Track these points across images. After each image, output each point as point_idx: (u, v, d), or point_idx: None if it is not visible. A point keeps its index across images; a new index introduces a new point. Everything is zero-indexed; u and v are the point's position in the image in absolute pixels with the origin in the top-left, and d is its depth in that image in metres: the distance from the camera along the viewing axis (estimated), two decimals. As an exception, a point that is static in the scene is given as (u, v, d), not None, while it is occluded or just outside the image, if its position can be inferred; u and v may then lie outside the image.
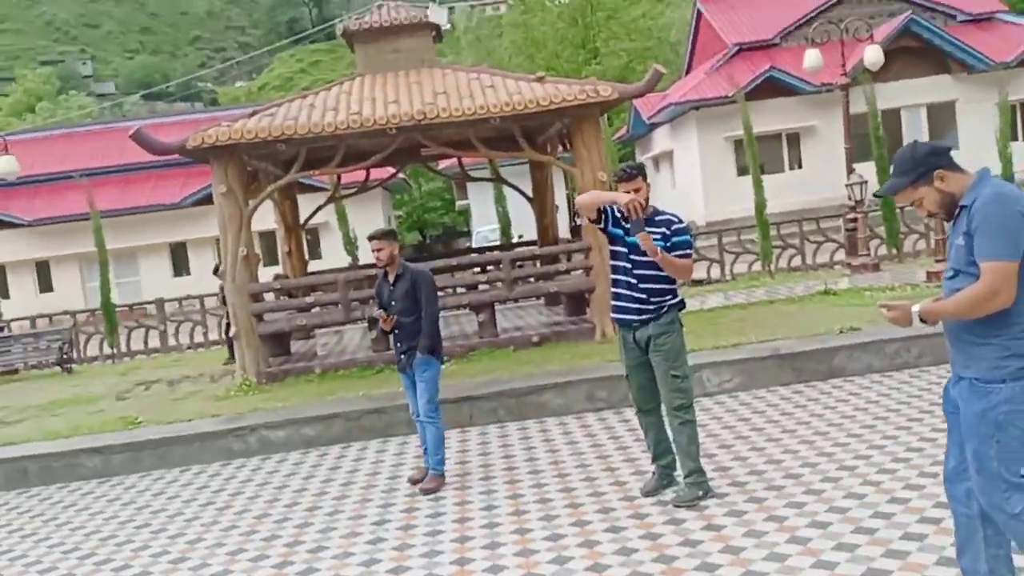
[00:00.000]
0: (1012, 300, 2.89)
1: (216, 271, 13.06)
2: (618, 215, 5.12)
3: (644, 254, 4.92)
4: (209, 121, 11.72)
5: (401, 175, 29.02)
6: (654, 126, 32.09)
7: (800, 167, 28.00)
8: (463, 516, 5.36)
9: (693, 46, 34.27)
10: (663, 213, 5.08)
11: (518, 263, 11.26)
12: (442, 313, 13.36)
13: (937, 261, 11.32)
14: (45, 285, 31.19)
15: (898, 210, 15.88)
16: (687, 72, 34.73)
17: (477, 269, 13.10)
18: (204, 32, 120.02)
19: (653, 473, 5.38)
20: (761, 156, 18.38)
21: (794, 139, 28.15)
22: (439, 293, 10.81)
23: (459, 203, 39.16)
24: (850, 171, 15.19)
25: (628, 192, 4.91)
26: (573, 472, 5.96)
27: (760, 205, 15.45)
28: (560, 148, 12.42)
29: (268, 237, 27.00)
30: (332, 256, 27.21)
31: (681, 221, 5.11)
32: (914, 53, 27.33)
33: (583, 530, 4.85)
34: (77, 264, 30.42)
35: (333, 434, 7.67)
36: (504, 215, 19.74)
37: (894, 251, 15.68)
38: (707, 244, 17.65)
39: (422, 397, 6.03)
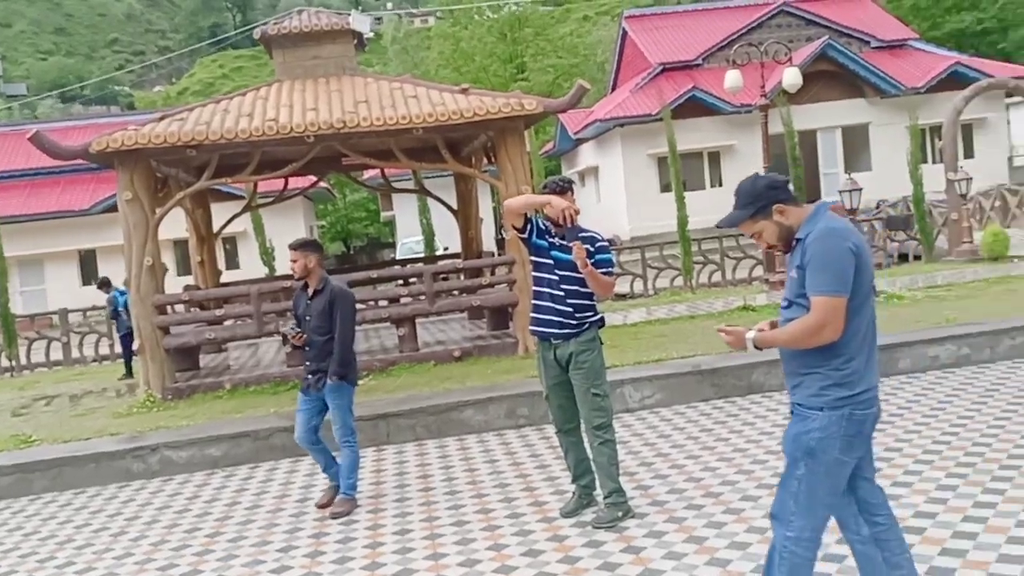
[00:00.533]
0: (838, 335, 2.98)
1: (101, 285, 12.48)
2: (543, 227, 4.98)
3: (570, 268, 4.78)
4: (123, 125, 11.24)
5: (324, 184, 28.49)
6: (580, 141, 32.32)
7: (720, 185, 28.51)
8: (375, 541, 5.12)
9: (619, 65, 34.69)
10: (585, 230, 4.97)
11: (441, 276, 11.04)
12: (363, 326, 13.22)
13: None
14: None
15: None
16: (612, 90, 35.12)
17: (400, 282, 12.86)
18: (123, 35, 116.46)
19: (573, 493, 5.23)
20: (684, 173, 18.60)
21: (715, 157, 28.67)
22: (359, 305, 10.56)
23: (384, 214, 38.73)
24: (769, 189, 15.45)
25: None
26: (491, 492, 5.78)
27: (682, 221, 15.60)
28: (485, 161, 12.28)
29: (182, 246, 26.10)
30: (251, 266, 26.47)
31: (603, 239, 5.00)
32: (830, 77, 28.18)
33: (499, 554, 4.67)
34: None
35: (241, 454, 7.31)
36: (428, 227, 19.52)
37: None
38: (631, 259, 17.76)
39: (335, 423, 5.75)
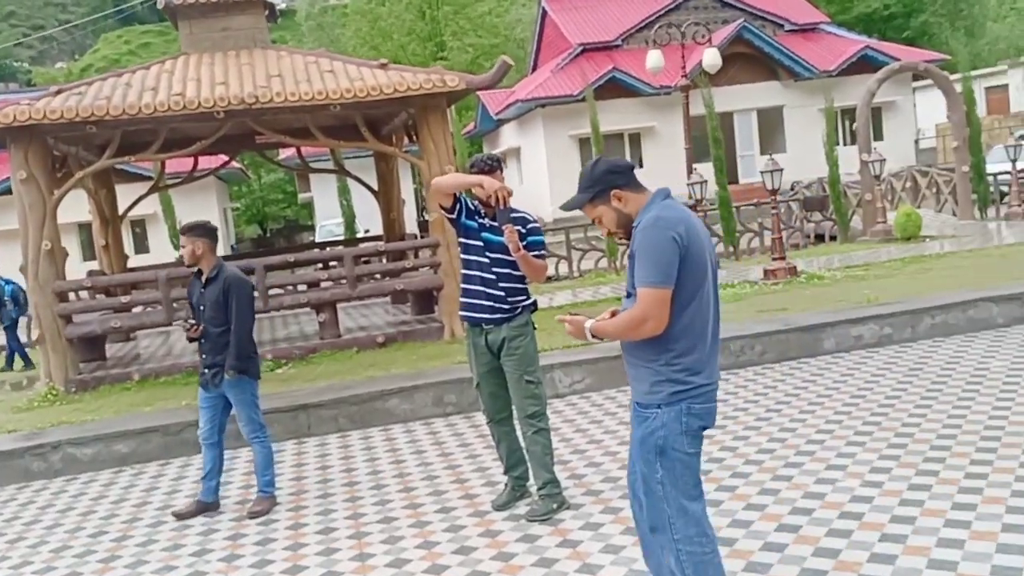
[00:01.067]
0: (662, 327, 2.86)
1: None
2: (471, 207, 4.73)
3: (501, 250, 4.56)
4: (18, 102, 10.41)
5: (238, 165, 27.55)
6: (501, 122, 32.07)
7: (641, 166, 28.67)
8: (296, 542, 4.82)
9: (539, 44, 34.50)
10: (517, 211, 4.73)
11: (362, 259, 10.68)
12: (281, 312, 12.75)
13: (774, 259, 11.63)
14: None
15: (734, 209, 16.41)
16: (533, 70, 34.94)
17: (319, 265, 12.43)
18: (19, 7, 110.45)
19: (506, 485, 5.03)
20: (605, 155, 18.57)
21: (635, 139, 28.81)
22: (277, 290, 10.12)
23: (301, 196, 37.79)
24: (691, 171, 15.53)
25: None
26: (420, 485, 5.54)
27: (606, 202, 15.51)
28: (407, 141, 11.94)
29: (87, 230, 24.90)
30: (161, 250, 25.49)
31: (535, 220, 4.79)
32: (746, 60, 28.58)
33: (430, 552, 4.44)
34: None
35: (150, 450, 6.88)
36: (348, 209, 19.05)
37: (731, 249, 16.17)
38: (555, 240, 17.63)
39: (241, 421, 5.38)
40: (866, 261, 12.41)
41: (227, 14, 10.08)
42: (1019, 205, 15.92)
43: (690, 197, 14.89)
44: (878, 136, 28.19)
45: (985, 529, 3.91)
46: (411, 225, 17.39)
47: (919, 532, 3.97)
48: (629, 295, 2.97)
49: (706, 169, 16.73)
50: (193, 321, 5.35)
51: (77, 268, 15.13)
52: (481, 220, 4.72)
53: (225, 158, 14.36)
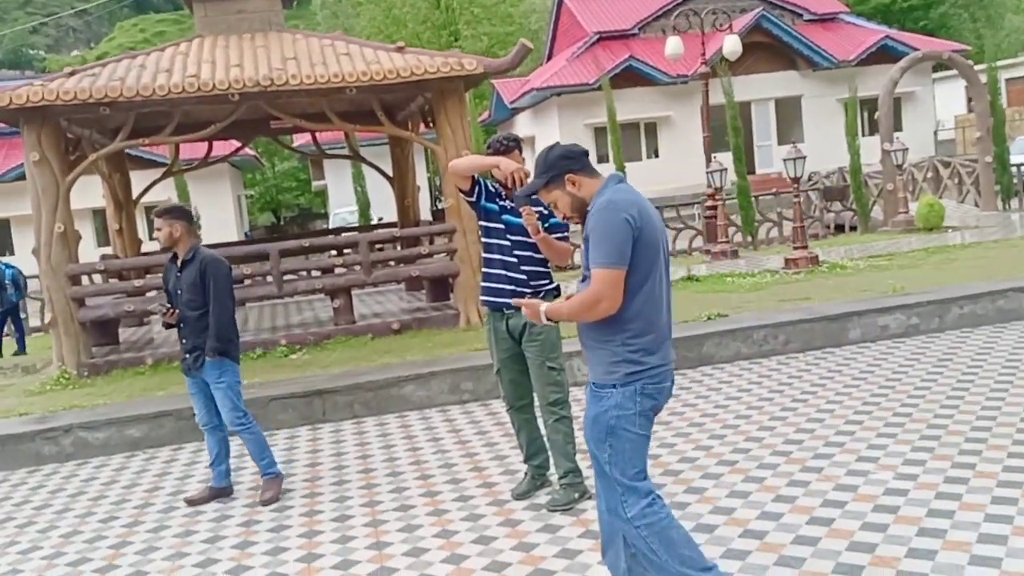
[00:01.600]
0: (616, 307, 2.92)
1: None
2: (492, 189, 4.59)
3: (523, 232, 4.41)
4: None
5: (251, 151, 27.48)
6: (516, 111, 31.88)
7: (657, 156, 28.47)
8: (311, 529, 4.71)
9: (554, 33, 34.26)
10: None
11: (377, 246, 10.56)
12: (296, 298, 12.63)
13: (795, 248, 11.43)
14: None
15: (753, 199, 16.21)
16: (548, 59, 34.71)
17: (334, 252, 12.32)
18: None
19: (525, 474, 4.89)
20: (621, 145, 18.31)
21: (651, 128, 28.58)
22: (291, 276, 10.00)
23: (315, 183, 37.70)
24: (709, 160, 15.32)
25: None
26: (437, 473, 5.41)
27: (623, 191, 15.31)
28: (422, 127, 11.79)
29: (103, 215, 24.92)
30: (176, 237, 25.37)
31: None
32: (764, 49, 28.27)
33: (448, 542, 4.31)
34: None
35: (162, 435, 6.78)
36: (363, 195, 18.92)
37: (750, 238, 15.97)
38: (573, 229, 17.46)
39: (223, 407, 5.20)
40: (888, 251, 12.20)
41: (242, -4, 9.95)
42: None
43: (709, 186, 14.69)
44: (897, 127, 27.73)
45: (1028, 524, 3.75)
46: (425, 213, 17.26)
47: (958, 527, 3.81)
48: (585, 278, 3.01)
49: (724, 158, 16.51)
50: (168, 306, 5.21)
51: (92, 253, 15.08)
52: (502, 202, 4.58)
53: (238, 144, 14.25)
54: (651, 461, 5.11)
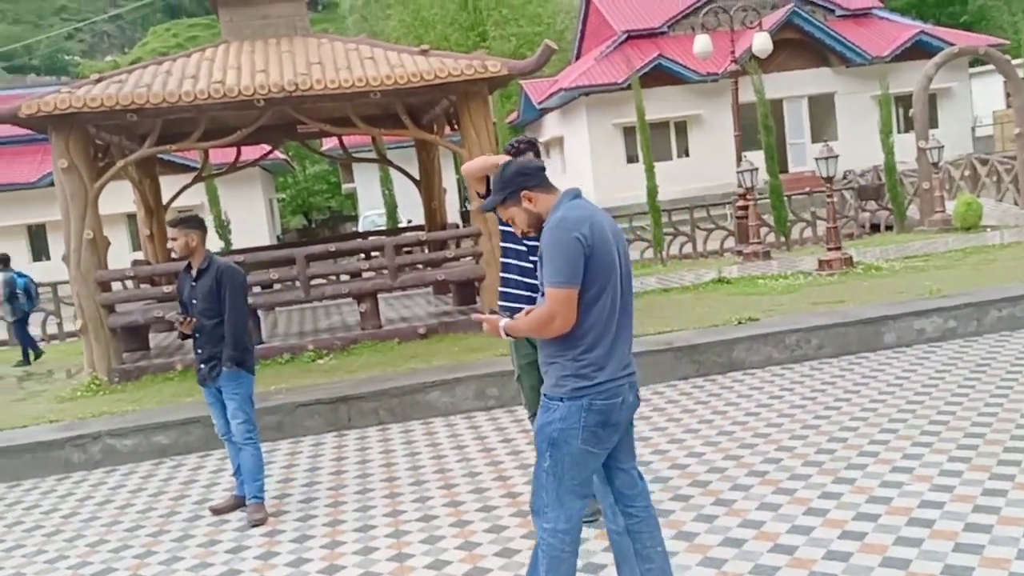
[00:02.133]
0: (570, 325, 2.95)
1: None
2: None
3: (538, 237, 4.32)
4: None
5: (282, 155, 27.66)
6: (544, 111, 31.78)
7: (687, 155, 28.20)
8: (333, 540, 4.67)
9: (582, 32, 34.10)
10: None
11: (404, 249, 10.54)
12: (324, 303, 12.66)
13: (829, 249, 11.22)
14: None
15: (786, 198, 15.97)
16: (576, 58, 34.56)
17: (362, 256, 12.32)
18: (71, 2, 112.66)
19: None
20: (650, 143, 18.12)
21: (682, 127, 28.32)
22: (319, 280, 10.02)
23: (345, 186, 37.88)
24: (740, 159, 15.12)
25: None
26: (461, 482, 5.35)
27: (652, 191, 15.20)
28: (448, 129, 11.74)
29: (136, 220, 25.23)
30: (211, 241, 25.61)
31: None
32: (796, 45, 27.88)
33: (471, 554, 4.25)
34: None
35: (190, 441, 6.80)
36: (390, 198, 18.92)
37: (782, 239, 15.74)
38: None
39: (235, 418, 5.16)
40: (925, 251, 11.94)
41: (267, 1, 9.96)
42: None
43: (739, 185, 14.50)
44: (933, 124, 27.12)
45: (1072, 541, 3.60)
46: (453, 215, 17.22)
47: (997, 542, 3.67)
48: (543, 294, 3.02)
49: (755, 157, 16.29)
50: (185, 315, 5.19)
51: (127, 258, 15.26)
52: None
53: (268, 148, 14.32)
54: (679, 471, 5.05)
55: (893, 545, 3.76)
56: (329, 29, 45.73)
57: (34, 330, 13.48)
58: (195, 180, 12.82)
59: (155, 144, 9.09)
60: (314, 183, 41.82)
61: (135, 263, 11.07)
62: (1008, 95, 23.38)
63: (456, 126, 10.31)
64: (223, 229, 17.97)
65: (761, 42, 15.96)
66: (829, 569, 3.62)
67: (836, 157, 10.78)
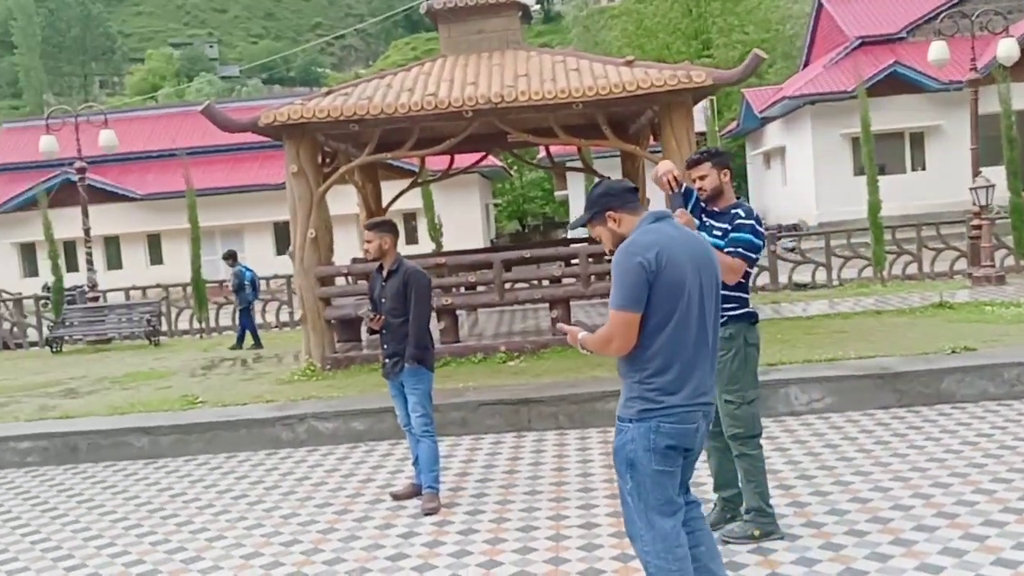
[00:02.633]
0: (627, 348, 3.00)
1: (226, 257, 13.29)
2: (703, 203, 4.42)
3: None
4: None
5: (498, 163, 28.62)
6: (766, 120, 30.71)
7: (923, 169, 26.20)
8: (496, 536, 4.83)
9: (812, 39, 32.58)
10: (740, 206, 4.36)
11: (600, 258, 10.59)
12: (516, 306, 13.03)
13: (1073, 277, 10.03)
14: (156, 257, 32.32)
15: (1030, 218, 14.42)
16: (805, 66, 33.07)
17: (562, 263, 12.51)
18: (325, 19, 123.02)
19: (714, 504, 4.70)
20: (882, 156, 17.10)
21: (918, 139, 26.35)
22: (521, 284, 10.29)
23: (558, 193, 38.57)
24: (976, 174, 13.85)
25: (694, 180, 4.26)
26: (627, 494, 5.33)
27: (874, 206, 14.27)
28: (652, 139, 11.69)
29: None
30: (423, 242, 27.02)
31: (750, 216, 4.30)
32: (1058, 50, 25.03)
33: (625, 567, 4.24)
34: (186, 238, 31.31)
35: (383, 429, 7.25)
36: (597, 207, 19.10)
37: (1022, 263, 14.25)
38: (815, 246, 16.55)
39: (415, 412, 5.49)
40: None
41: (483, 16, 10.41)
42: None
43: (973, 203, 13.30)
44: None
45: None
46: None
47: None
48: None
49: (997, 172, 14.85)
50: (375, 312, 5.53)
51: (357, 256, 16.40)
52: (704, 218, 4.41)
53: (481, 155, 14.91)
54: (860, 505, 4.75)
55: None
56: (553, 41, 46.80)
57: (261, 319, 15.09)
58: (411, 185, 13.62)
59: (373, 152, 9.77)
60: (530, 190, 42.91)
61: (354, 260, 11.94)
62: None
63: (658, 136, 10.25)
64: (435, 231, 18.90)
65: (1006, 49, 14.55)
66: (1009, 629, 3.29)
67: (992, 187, 9.63)
